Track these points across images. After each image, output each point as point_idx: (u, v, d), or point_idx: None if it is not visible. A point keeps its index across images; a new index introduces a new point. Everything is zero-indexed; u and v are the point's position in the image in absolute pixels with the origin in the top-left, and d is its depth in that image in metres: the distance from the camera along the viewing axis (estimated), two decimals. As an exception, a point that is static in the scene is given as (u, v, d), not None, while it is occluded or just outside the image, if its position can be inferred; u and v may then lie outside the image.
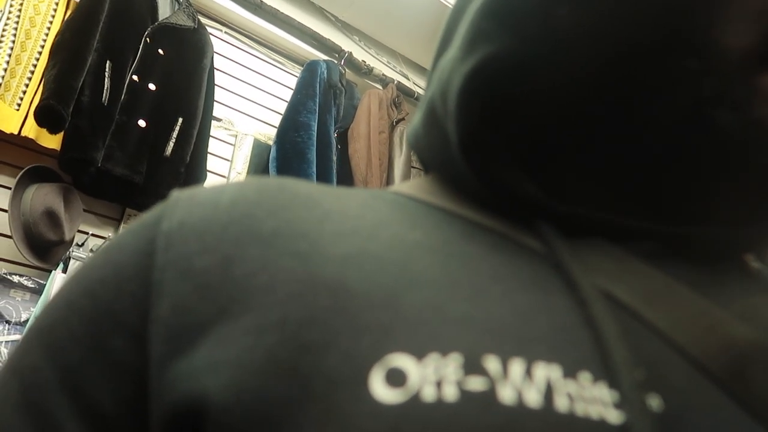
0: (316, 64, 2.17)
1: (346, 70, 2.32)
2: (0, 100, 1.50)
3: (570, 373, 0.21)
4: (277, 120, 2.12)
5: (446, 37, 0.36)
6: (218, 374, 0.22)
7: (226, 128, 2.11)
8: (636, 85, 0.28)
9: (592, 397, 0.21)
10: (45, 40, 1.60)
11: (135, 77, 1.70)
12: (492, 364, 0.21)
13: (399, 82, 2.48)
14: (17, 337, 1.47)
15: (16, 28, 1.55)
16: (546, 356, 0.22)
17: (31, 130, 1.55)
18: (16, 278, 1.53)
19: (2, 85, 1.50)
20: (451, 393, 0.20)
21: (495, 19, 0.29)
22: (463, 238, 0.29)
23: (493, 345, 0.22)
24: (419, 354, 0.21)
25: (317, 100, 2.10)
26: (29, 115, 1.53)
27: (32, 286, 1.55)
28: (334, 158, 2.13)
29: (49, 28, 1.62)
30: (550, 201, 0.29)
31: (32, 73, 1.57)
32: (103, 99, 1.60)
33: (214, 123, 2.03)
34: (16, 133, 1.53)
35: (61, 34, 1.59)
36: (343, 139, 2.23)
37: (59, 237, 1.57)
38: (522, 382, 0.21)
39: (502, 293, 0.25)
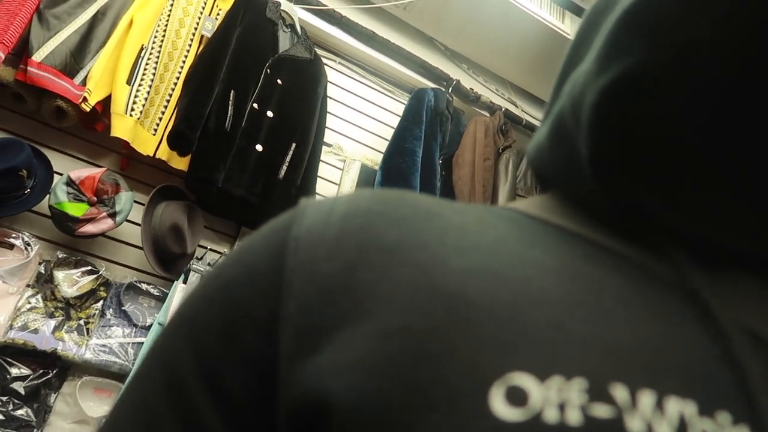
0: (424, 92, 2.22)
1: (454, 97, 2.35)
2: (140, 126, 1.68)
3: (706, 411, 0.20)
4: (384, 146, 2.18)
5: (576, 50, 0.35)
6: (342, 376, 0.23)
7: (335, 153, 2.21)
8: None
9: None
10: (180, 72, 1.78)
11: (255, 105, 1.84)
12: (619, 392, 0.20)
13: (507, 109, 2.46)
14: (142, 339, 1.61)
15: (156, 62, 1.73)
16: (679, 390, 0.21)
17: (164, 152, 1.72)
18: (144, 286, 1.69)
19: (143, 112, 1.68)
20: (575, 417, 0.20)
21: (635, 31, 0.28)
22: (584, 259, 0.28)
23: (620, 372, 0.21)
24: (542, 375, 0.21)
25: (423, 127, 2.13)
26: (163, 139, 1.70)
27: (157, 294, 1.70)
28: (438, 184, 2.14)
29: (184, 62, 1.79)
30: (684, 226, 0.28)
31: (168, 102, 1.75)
32: (227, 125, 1.74)
33: (324, 148, 2.13)
34: (151, 155, 1.71)
35: (193, 67, 1.77)
36: (447, 165, 2.24)
37: (183, 250, 1.72)
38: (652, 415, 0.20)
39: (629, 319, 0.24)
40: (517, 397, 0.21)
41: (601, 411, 0.20)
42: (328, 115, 2.13)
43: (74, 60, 1.59)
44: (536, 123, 2.55)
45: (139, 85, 1.69)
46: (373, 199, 0.30)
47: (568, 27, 2.24)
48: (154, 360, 0.29)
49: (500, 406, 0.20)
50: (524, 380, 0.21)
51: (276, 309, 0.26)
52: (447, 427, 0.20)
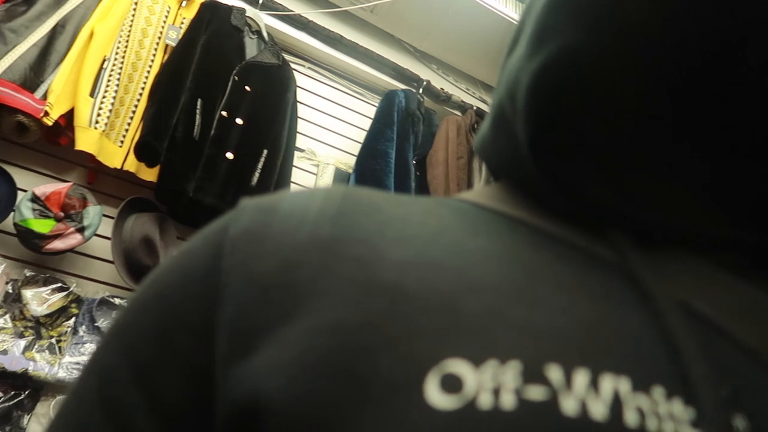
0: (394, 94, 2.22)
1: (425, 98, 2.35)
2: (106, 138, 1.65)
3: (641, 386, 0.20)
4: (357, 149, 2.17)
5: (514, 39, 0.35)
6: (276, 375, 0.23)
7: (308, 158, 2.20)
8: (714, 80, 0.25)
9: (666, 413, 0.20)
10: (145, 83, 1.75)
11: (224, 113, 1.82)
12: (554, 373, 0.20)
13: (478, 107, 2.47)
14: (116, 355, 1.58)
15: (120, 73, 1.71)
16: (614, 368, 0.21)
17: (132, 164, 1.69)
18: (117, 300, 1.66)
19: (108, 124, 1.66)
20: (508, 401, 0.20)
21: (563, 12, 0.28)
22: (528, 246, 0.28)
23: (555, 354, 0.21)
24: (477, 360, 0.21)
25: (395, 129, 2.13)
26: (130, 151, 1.68)
27: (131, 308, 1.67)
28: (413, 185, 2.14)
29: (149, 72, 1.77)
30: (624, 207, 0.27)
31: (134, 113, 1.72)
32: (195, 134, 1.72)
33: (297, 153, 2.11)
34: (119, 167, 1.68)
35: (158, 77, 1.74)
36: (421, 166, 2.24)
37: (155, 262, 1.69)
38: (586, 394, 0.20)
39: (567, 302, 0.24)
40: (451, 384, 0.20)
41: (535, 393, 0.20)
42: (299, 120, 2.12)
43: (34, 74, 1.56)
44: (508, 120, 2.56)
45: (103, 97, 1.66)
46: (313, 196, 0.29)
47: (534, 23, 2.25)
48: (89, 372, 0.28)
49: (435, 395, 0.20)
50: (459, 366, 0.21)
51: (211, 313, 0.26)
52: (382, 420, 0.20)
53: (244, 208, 0.29)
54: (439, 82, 2.47)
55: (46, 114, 1.54)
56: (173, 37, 1.83)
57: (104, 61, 1.68)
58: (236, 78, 1.88)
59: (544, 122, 0.29)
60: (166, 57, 1.80)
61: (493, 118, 0.35)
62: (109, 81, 1.68)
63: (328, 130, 2.28)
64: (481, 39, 2.32)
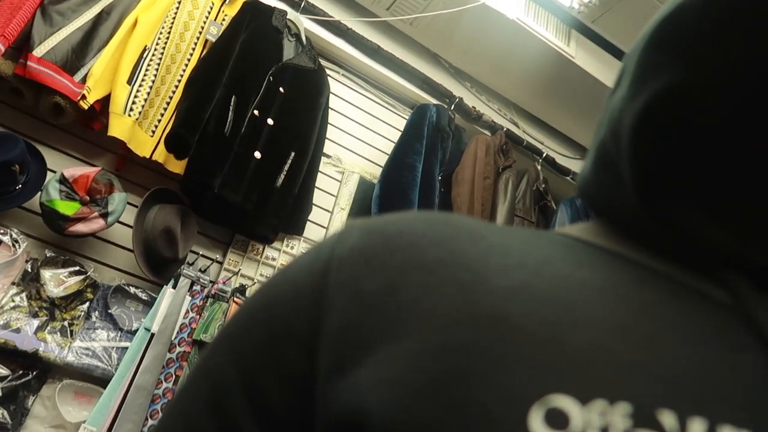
0: (426, 108, 2.21)
1: (456, 114, 2.34)
2: (138, 127, 1.66)
3: None
4: (383, 160, 2.16)
5: (617, 81, 0.35)
6: (379, 392, 0.23)
7: (334, 165, 2.19)
8: None
9: None
10: (182, 75, 1.76)
11: (256, 112, 1.82)
12: (667, 419, 0.20)
13: (508, 129, 2.45)
14: (127, 343, 1.58)
15: (159, 64, 1.72)
16: (733, 419, 0.20)
17: (161, 155, 1.70)
18: (132, 289, 1.66)
19: (142, 113, 1.66)
20: None
21: (665, 48, 0.28)
22: (635, 281, 0.27)
23: (668, 398, 0.20)
24: (583, 398, 0.20)
25: (424, 143, 2.12)
26: (161, 141, 1.68)
27: (145, 298, 1.67)
28: (437, 201, 2.12)
29: (186, 65, 1.78)
30: (739, 248, 0.26)
31: (168, 104, 1.73)
32: (226, 130, 1.72)
33: (323, 159, 2.11)
34: (148, 156, 1.69)
35: (195, 71, 1.75)
36: (447, 182, 2.22)
37: (174, 255, 1.69)
38: None
39: (679, 343, 0.23)
40: (557, 419, 0.20)
41: None
42: (328, 126, 2.12)
43: (75, 57, 1.57)
44: (537, 144, 2.55)
45: (140, 85, 1.67)
46: (417, 219, 0.30)
47: (573, 50, 2.24)
48: (199, 374, 0.30)
49: (539, 428, 0.20)
50: (565, 402, 0.20)
51: (317, 325, 0.27)
52: None
53: (351, 228, 0.31)
54: (471, 100, 2.45)
55: (84, 97, 1.55)
56: (214, 33, 1.84)
57: (145, 50, 1.69)
58: (271, 78, 1.88)
59: (650, 162, 0.28)
60: (204, 52, 1.81)
61: (595, 158, 0.35)
62: (147, 70, 1.69)
63: (356, 138, 2.27)
64: (518, 61, 2.30)
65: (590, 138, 0.37)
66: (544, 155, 2.52)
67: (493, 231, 0.30)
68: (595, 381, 0.21)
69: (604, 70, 2.25)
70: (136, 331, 1.59)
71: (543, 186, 2.49)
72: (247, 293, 1.75)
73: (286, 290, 0.29)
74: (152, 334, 1.54)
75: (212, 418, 0.28)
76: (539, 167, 2.51)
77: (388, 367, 0.24)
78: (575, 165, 2.63)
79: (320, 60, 2.10)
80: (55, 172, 1.57)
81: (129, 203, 1.67)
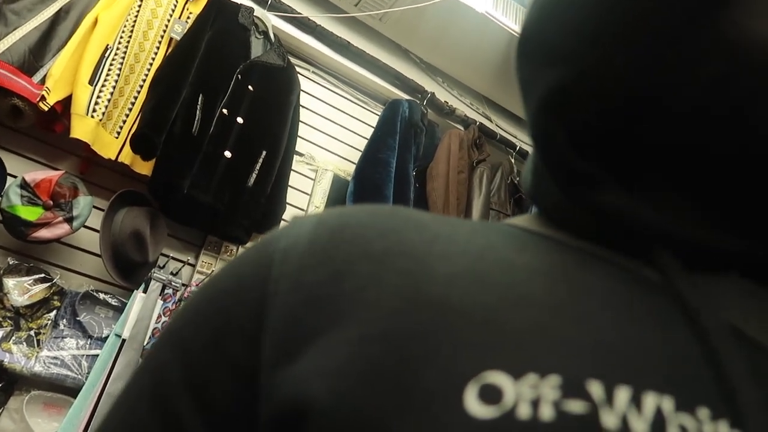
0: (398, 103, 2.20)
1: (428, 110, 2.33)
2: (102, 128, 1.61)
3: (685, 406, 0.21)
4: (357, 157, 2.14)
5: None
6: (322, 380, 0.23)
7: (307, 163, 2.16)
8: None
9: None
10: (147, 75, 1.72)
11: (224, 111, 1.79)
12: (595, 388, 0.21)
13: (481, 123, 2.45)
14: (98, 351, 1.53)
15: (122, 63, 1.68)
16: (657, 387, 0.21)
17: (127, 156, 1.65)
18: (101, 295, 1.61)
19: (105, 114, 1.62)
20: (547, 413, 0.20)
21: (551, 47, 0.30)
22: (574, 265, 0.28)
23: (596, 370, 0.21)
24: (516, 373, 0.21)
25: (397, 138, 2.11)
26: (126, 142, 1.64)
27: (115, 304, 1.62)
28: (412, 196, 2.11)
29: (151, 64, 1.74)
30: (667, 227, 0.27)
31: (132, 104, 1.69)
32: (194, 130, 1.68)
33: (296, 158, 2.08)
34: (113, 158, 1.64)
35: (160, 70, 1.71)
36: (421, 177, 2.21)
37: (144, 258, 1.64)
38: (628, 410, 0.20)
39: (611, 321, 0.24)
40: (490, 394, 0.21)
41: (575, 406, 0.20)
42: (300, 124, 2.09)
43: (33, 58, 1.52)
44: (510, 138, 2.55)
45: (102, 85, 1.62)
46: (363, 212, 0.31)
47: (543, 42, 2.24)
48: (142, 371, 0.30)
49: (474, 405, 0.21)
50: (498, 378, 0.21)
51: (261, 318, 0.27)
52: (421, 428, 0.21)
53: (296, 221, 0.31)
54: (443, 95, 2.45)
55: (43, 99, 1.50)
56: (179, 31, 1.80)
57: (106, 49, 1.64)
58: (239, 77, 1.85)
59: (558, 149, 0.30)
60: (169, 51, 1.77)
61: (531, 153, 0.37)
62: (110, 70, 1.64)
63: (329, 136, 2.25)
64: (489, 55, 2.31)
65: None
66: (518, 148, 2.52)
67: (439, 222, 0.31)
68: (527, 356, 0.22)
69: (574, 62, 2.26)
70: (107, 338, 1.55)
71: (518, 179, 2.50)
72: (221, 295, 1.72)
73: (230, 283, 0.30)
74: (123, 341, 1.50)
75: (154, 414, 0.27)
76: (513, 160, 2.51)
77: (330, 355, 0.24)
78: (549, 157, 2.64)
79: (289, 57, 2.08)
80: (15, 176, 1.52)
81: (95, 207, 1.62)
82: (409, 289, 0.25)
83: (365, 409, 0.22)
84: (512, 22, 2.19)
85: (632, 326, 0.24)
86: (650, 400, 0.20)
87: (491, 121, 2.56)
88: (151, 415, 0.27)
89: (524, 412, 0.20)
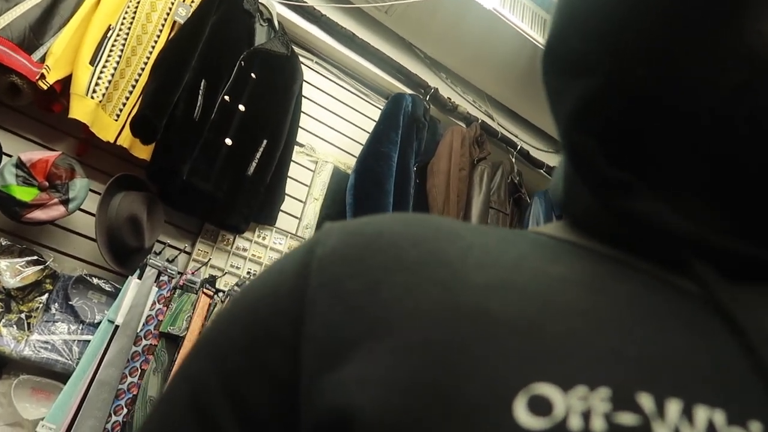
0: (402, 97, 2.17)
1: (431, 105, 2.31)
2: (101, 109, 1.58)
3: (737, 420, 0.20)
4: (358, 150, 2.12)
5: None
6: (365, 390, 0.23)
7: (307, 154, 2.14)
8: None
9: None
10: (149, 58, 1.69)
11: (226, 97, 1.76)
12: (645, 401, 0.21)
13: (483, 121, 2.44)
14: (89, 336, 1.50)
15: (124, 44, 1.64)
16: (708, 399, 0.21)
17: (126, 139, 1.62)
18: (95, 280, 1.58)
19: (105, 95, 1.59)
20: (599, 425, 0.20)
21: (585, 51, 0.30)
22: (608, 274, 0.28)
23: (646, 382, 0.21)
24: (565, 385, 0.21)
25: (400, 132, 2.09)
26: (126, 125, 1.61)
27: (109, 289, 1.59)
28: (412, 191, 2.09)
29: (153, 47, 1.71)
30: (700, 235, 0.27)
31: (133, 87, 1.65)
32: (195, 115, 1.65)
33: (296, 148, 2.06)
34: (112, 141, 1.61)
35: (163, 53, 1.68)
36: (422, 173, 2.20)
37: (139, 244, 1.62)
38: (680, 423, 0.20)
39: (654, 331, 0.24)
40: (540, 406, 0.21)
41: (627, 419, 0.20)
42: (302, 114, 2.07)
43: (33, 35, 1.49)
44: (512, 137, 2.54)
45: (104, 66, 1.59)
46: (395, 221, 0.31)
47: (549, 42, 2.23)
48: (180, 380, 0.30)
49: (524, 416, 0.20)
50: (547, 390, 0.21)
51: (299, 327, 0.27)
52: None
53: (331, 229, 0.31)
54: (446, 91, 2.43)
55: (42, 77, 1.46)
56: (182, 14, 1.77)
57: (109, 29, 1.61)
58: (242, 63, 1.82)
59: (592, 159, 0.30)
60: (173, 34, 1.74)
61: (560, 162, 0.37)
62: (111, 51, 1.61)
63: (330, 128, 2.22)
64: (494, 53, 2.29)
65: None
66: (519, 148, 2.51)
67: (470, 230, 0.31)
68: (575, 368, 0.22)
69: (579, 63, 2.25)
70: (99, 323, 1.52)
71: (517, 178, 2.49)
72: (217, 284, 1.69)
73: (266, 293, 0.30)
74: (116, 327, 1.47)
75: (194, 424, 0.28)
76: (513, 160, 2.50)
77: (373, 365, 0.24)
78: (549, 158, 2.63)
79: (293, 46, 2.05)
80: (11, 156, 1.48)
81: (92, 190, 1.59)
82: (447, 299, 0.25)
83: (409, 418, 0.22)
84: (519, 19, 2.18)
85: (675, 337, 0.24)
86: (702, 414, 0.20)
87: (493, 120, 2.55)
88: (189, 423, 0.28)
89: (575, 423, 0.20)
